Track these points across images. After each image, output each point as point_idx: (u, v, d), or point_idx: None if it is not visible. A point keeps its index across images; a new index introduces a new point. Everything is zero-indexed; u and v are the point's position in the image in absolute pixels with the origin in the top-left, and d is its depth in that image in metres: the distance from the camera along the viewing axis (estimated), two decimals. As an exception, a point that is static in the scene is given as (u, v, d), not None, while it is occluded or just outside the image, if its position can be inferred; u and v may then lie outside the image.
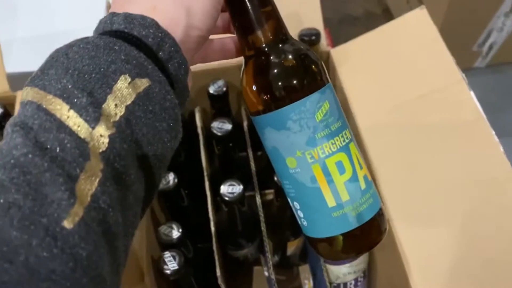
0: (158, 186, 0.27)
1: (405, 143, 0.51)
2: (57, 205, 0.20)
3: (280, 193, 0.58)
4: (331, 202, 0.30)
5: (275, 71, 0.30)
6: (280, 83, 0.29)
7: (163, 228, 0.49)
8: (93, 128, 0.22)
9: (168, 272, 0.44)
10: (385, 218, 0.33)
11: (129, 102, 0.23)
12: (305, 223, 0.32)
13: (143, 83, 0.24)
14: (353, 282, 0.57)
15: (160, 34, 0.25)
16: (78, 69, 0.23)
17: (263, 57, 0.30)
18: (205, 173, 0.59)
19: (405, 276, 0.44)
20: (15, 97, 0.60)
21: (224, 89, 0.60)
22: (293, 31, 0.61)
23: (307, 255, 0.68)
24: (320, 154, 0.30)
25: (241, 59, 0.33)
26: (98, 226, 0.21)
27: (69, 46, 0.24)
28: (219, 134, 0.56)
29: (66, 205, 0.20)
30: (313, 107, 0.29)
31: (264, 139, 0.31)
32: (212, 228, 0.55)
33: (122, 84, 0.23)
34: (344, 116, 0.32)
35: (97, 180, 0.21)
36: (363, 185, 0.31)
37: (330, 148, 0.30)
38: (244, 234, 0.60)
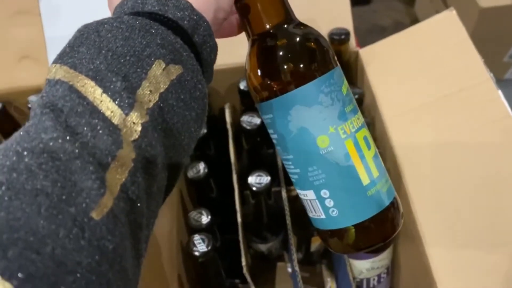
0: (179, 176, 0.26)
1: (432, 140, 0.51)
2: (86, 194, 0.19)
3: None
4: (365, 179, 0.30)
5: (304, 44, 0.30)
6: (312, 54, 0.29)
7: (193, 214, 0.51)
8: (126, 114, 0.21)
9: (197, 253, 0.45)
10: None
11: (162, 89, 0.22)
12: (335, 212, 0.30)
13: (176, 69, 0.23)
14: (376, 278, 0.57)
15: (195, 17, 0.24)
16: (112, 50, 0.22)
17: (282, 35, 0.30)
18: (233, 167, 0.60)
19: (429, 273, 0.44)
20: (56, 89, 0.64)
21: (255, 85, 0.62)
22: (323, 31, 0.63)
23: (330, 253, 0.68)
24: (351, 128, 0.29)
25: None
26: (125, 218, 0.20)
27: (100, 23, 0.23)
28: (248, 128, 0.58)
29: (96, 195, 0.19)
30: (339, 80, 0.30)
31: (287, 122, 0.29)
32: (239, 219, 0.57)
33: (157, 69, 0.22)
34: None
35: (128, 170, 0.20)
36: (382, 162, 0.32)
37: (357, 123, 0.30)
38: (269, 227, 0.62)
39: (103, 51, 0.22)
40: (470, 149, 0.49)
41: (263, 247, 0.64)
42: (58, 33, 0.82)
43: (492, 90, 0.51)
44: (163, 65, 0.22)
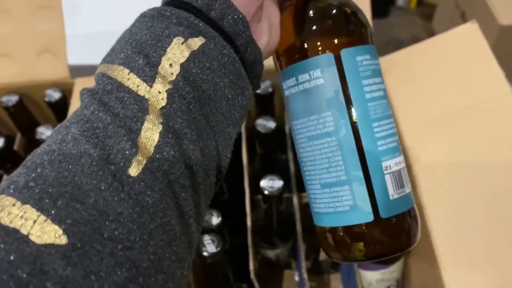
0: (230, 147, 0.27)
1: (448, 151, 0.51)
2: (121, 155, 0.21)
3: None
4: None
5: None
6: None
7: (203, 214, 0.51)
8: (150, 86, 0.23)
9: (206, 254, 0.45)
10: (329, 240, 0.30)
11: (183, 60, 0.24)
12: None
13: (197, 41, 0.24)
14: (385, 290, 0.56)
15: None
16: (137, 40, 0.24)
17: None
18: (245, 171, 0.60)
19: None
20: (73, 84, 0.64)
21: (270, 89, 0.62)
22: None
23: (339, 263, 0.67)
24: None
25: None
26: (163, 176, 0.22)
27: (133, 24, 0.26)
28: (262, 131, 0.58)
29: (129, 154, 0.21)
30: None
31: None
32: (249, 223, 0.56)
33: (176, 45, 0.24)
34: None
35: (158, 132, 0.22)
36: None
37: None
38: (278, 232, 0.61)
39: (130, 41, 0.25)
40: (488, 162, 0.48)
41: (271, 253, 0.63)
42: (78, 30, 0.82)
43: (512, 104, 0.50)
44: (182, 40, 0.24)
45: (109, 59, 0.25)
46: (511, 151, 0.48)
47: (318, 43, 0.29)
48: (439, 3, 1.50)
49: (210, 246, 0.45)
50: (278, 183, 0.52)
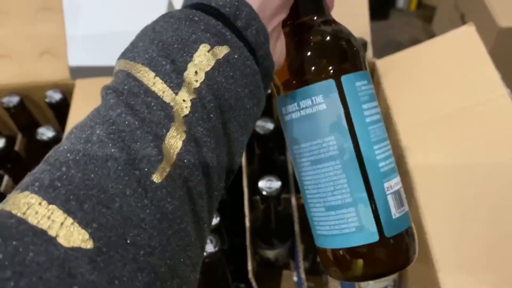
0: (241, 154, 0.27)
1: (445, 153, 0.51)
2: (147, 160, 0.21)
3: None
4: None
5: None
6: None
7: (201, 214, 0.51)
8: (176, 94, 0.23)
9: (204, 253, 0.45)
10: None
11: (208, 68, 0.24)
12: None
13: (222, 50, 0.24)
14: (383, 290, 0.56)
15: (236, 3, 0.25)
16: (163, 41, 0.24)
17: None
18: (243, 171, 0.60)
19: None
20: (74, 85, 0.65)
21: (269, 91, 0.62)
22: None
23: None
24: None
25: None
26: (183, 184, 0.22)
27: (156, 22, 0.26)
28: (261, 132, 0.58)
29: (155, 160, 0.21)
30: None
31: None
32: (247, 224, 0.57)
33: (202, 52, 0.24)
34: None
35: (182, 140, 0.23)
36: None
37: None
38: (277, 233, 0.62)
39: (155, 42, 0.24)
40: (484, 163, 0.49)
41: (270, 253, 0.63)
42: (79, 32, 0.83)
43: (509, 105, 0.51)
44: (208, 47, 0.24)
45: (130, 55, 0.25)
46: (507, 151, 0.49)
47: (319, 71, 0.29)
48: (439, 5, 1.51)
49: (208, 246, 0.45)
50: (276, 184, 0.53)
